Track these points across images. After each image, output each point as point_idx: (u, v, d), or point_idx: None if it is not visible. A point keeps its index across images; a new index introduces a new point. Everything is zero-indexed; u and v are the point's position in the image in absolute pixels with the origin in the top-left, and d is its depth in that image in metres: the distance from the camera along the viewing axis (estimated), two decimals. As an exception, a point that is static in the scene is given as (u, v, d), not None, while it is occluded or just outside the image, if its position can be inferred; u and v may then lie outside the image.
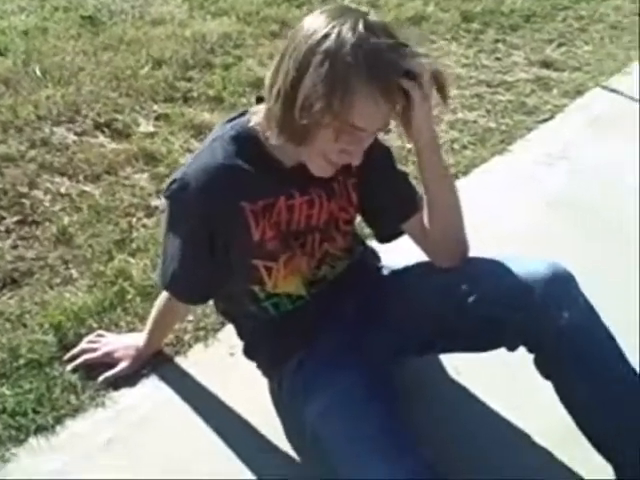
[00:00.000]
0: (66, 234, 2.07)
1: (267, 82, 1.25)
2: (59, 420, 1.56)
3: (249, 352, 1.57)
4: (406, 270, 1.57)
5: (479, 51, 3.41)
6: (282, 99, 1.20)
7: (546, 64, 3.32)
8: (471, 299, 1.39)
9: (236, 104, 2.77)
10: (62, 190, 2.26)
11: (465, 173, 2.52)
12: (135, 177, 2.36)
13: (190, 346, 1.76)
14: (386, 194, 1.46)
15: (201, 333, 1.79)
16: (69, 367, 1.66)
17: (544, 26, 3.70)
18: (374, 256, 1.63)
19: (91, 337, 1.72)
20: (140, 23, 3.39)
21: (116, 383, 1.64)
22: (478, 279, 1.41)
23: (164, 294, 1.59)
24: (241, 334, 1.58)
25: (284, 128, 1.22)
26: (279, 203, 1.36)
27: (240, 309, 1.51)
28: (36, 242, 2.05)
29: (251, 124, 1.33)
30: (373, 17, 1.19)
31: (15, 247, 2.02)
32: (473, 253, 1.47)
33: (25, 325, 1.77)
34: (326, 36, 1.15)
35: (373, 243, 1.64)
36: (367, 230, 1.69)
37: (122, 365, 1.66)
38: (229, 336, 1.69)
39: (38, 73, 2.86)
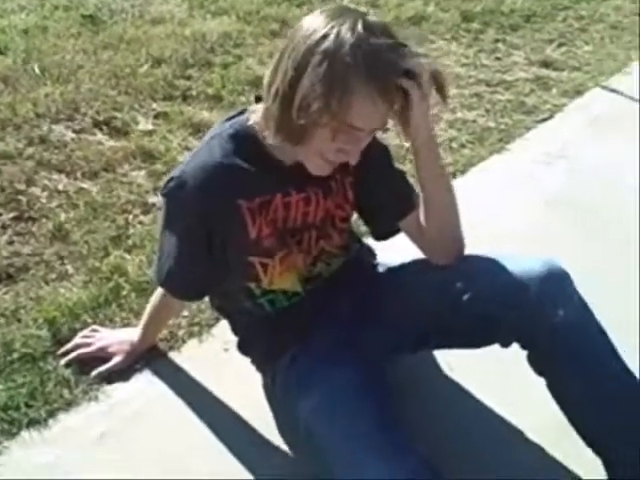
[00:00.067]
0: (62, 230, 2.07)
1: (265, 81, 1.25)
2: (52, 414, 1.56)
3: (243, 347, 1.57)
4: (402, 267, 1.57)
5: (479, 51, 3.42)
6: (280, 99, 1.20)
7: (546, 64, 3.32)
8: (466, 297, 1.39)
9: (235, 103, 2.77)
10: (59, 187, 2.26)
11: (463, 172, 2.52)
12: (133, 174, 2.36)
13: (184, 341, 1.76)
14: (383, 192, 1.46)
15: (195, 328, 1.79)
16: (63, 361, 1.66)
17: (544, 26, 3.70)
18: (370, 253, 1.63)
19: (85, 332, 1.72)
20: (140, 22, 3.40)
21: (110, 378, 1.64)
22: (473, 277, 1.41)
23: (159, 290, 1.59)
24: (235, 330, 1.58)
25: (281, 128, 1.22)
26: (275, 200, 1.36)
27: (235, 305, 1.51)
28: (32, 238, 2.05)
29: (250, 123, 1.33)
30: (372, 17, 1.19)
31: (11, 243, 2.02)
32: (470, 251, 1.47)
33: (19, 320, 1.77)
34: (325, 36, 1.15)
35: (369, 240, 1.64)
36: (363, 228, 1.69)
37: (116, 360, 1.66)
38: (223, 332, 1.69)
39: (37, 71, 2.86)
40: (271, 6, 3.62)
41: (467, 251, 1.47)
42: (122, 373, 1.65)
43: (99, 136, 2.55)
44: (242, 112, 1.39)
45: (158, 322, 1.69)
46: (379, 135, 1.43)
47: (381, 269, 1.60)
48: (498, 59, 3.35)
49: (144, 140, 2.52)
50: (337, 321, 1.48)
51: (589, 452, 1.39)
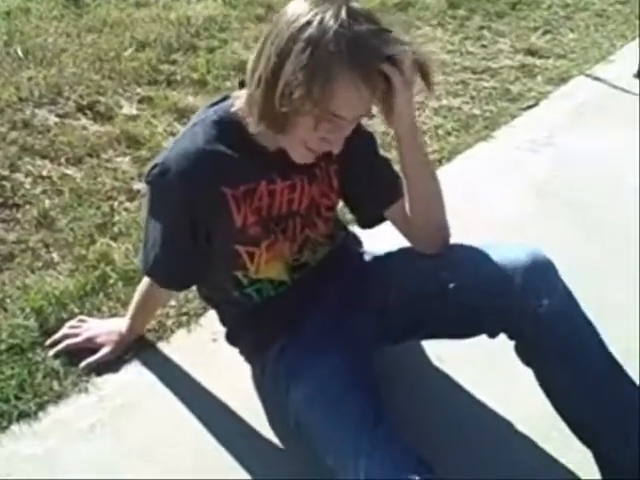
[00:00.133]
0: (47, 217, 2.06)
1: (249, 67, 1.24)
2: (41, 406, 1.55)
3: (232, 338, 1.57)
4: (388, 256, 1.57)
5: (464, 38, 3.42)
6: (263, 85, 1.19)
7: (531, 52, 3.33)
8: (451, 285, 1.40)
9: (220, 87, 2.76)
10: (43, 173, 2.25)
11: (449, 159, 2.52)
12: (117, 160, 2.35)
13: (173, 332, 1.76)
14: (369, 180, 1.46)
15: (184, 318, 1.79)
16: (51, 352, 1.65)
17: (530, 14, 3.71)
18: (356, 242, 1.63)
19: (73, 322, 1.71)
20: (124, 5, 3.37)
21: (99, 369, 1.63)
22: (458, 266, 1.42)
23: (146, 279, 1.58)
24: (224, 320, 1.58)
25: (264, 115, 1.22)
26: (260, 188, 1.35)
27: (223, 295, 1.50)
28: (17, 225, 2.04)
29: (234, 109, 1.32)
30: (355, 4, 1.18)
31: (-4, 230, 2.01)
32: (455, 239, 1.47)
33: (6, 309, 1.76)
34: (308, 23, 1.14)
35: (355, 229, 1.64)
36: (349, 216, 1.69)
37: (104, 350, 1.65)
38: (212, 321, 1.68)
39: (20, 54, 2.83)
40: (257, -10, 3.59)
41: (453, 239, 1.47)
42: (111, 364, 1.64)
43: (83, 121, 2.54)
44: (225, 98, 1.37)
45: (146, 312, 1.69)
46: (364, 122, 1.42)
47: (367, 257, 1.60)
48: (484, 46, 3.35)
49: (128, 125, 2.50)
50: (324, 310, 1.48)
51: (578, 443, 1.40)
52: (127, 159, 2.35)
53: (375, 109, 1.28)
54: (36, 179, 2.22)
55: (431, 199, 1.43)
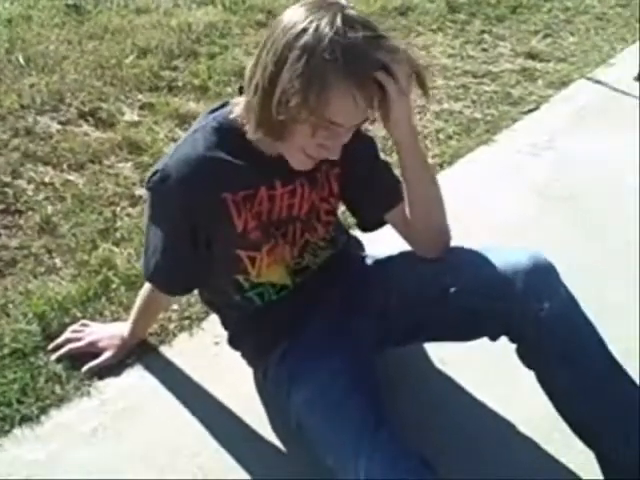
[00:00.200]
0: (50, 223, 2.07)
1: (247, 74, 1.24)
2: (44, 410, 1.55)
3: (234, 342, 1.57)
4: (389, 260, 1.57)
5: (465, 42, 3.43)
6: (260, 93, 1.19)
7: (531, 55, 3.34)
8: (452, 289, 1.40)
9: (221, 93, 2.77)
10: (46, 179, 2.26)
11: (450, 163, 2.53)
12: (119, 166, 2.35)
13: (175, 335, 1.76)
14: (370, 184, 1.46)
15: (186, 322, 1.79)
16: (53, 357, 1.65)
17: (530, 17, 3.72)
18: (358, 245, 1.64)
19: (75, 326, 1.72)
20: (125, 12, 3.39)
21: (101, 373, 1.64)
22: (459, 269, 1.42)
23: (148, 284, 1.58)
24: (225, 324, 1.58)
25: (262, 123, 1.22)
26: (260, 193, 1.36)
27: (224, 299, 1.50)
28: (20, 231, 2.04)
29: (233, 115, 1.33)
30: (351, 10, 1.18)
31: (-2, 236, 2.01)
32: (457, 242, 1.47)
33: (8, 314, 1.76)
34: (304, 30, 1.14)
35: (357, 232, 1.64)
36: (351, 219, 1.69)
37: (107, 355, 1.66)
38: (214, 325, 1.69)
39: (22, 61, 2.84)
40: (257, -4, 3.61)
41: (454, 242, 1.47)
42: (113, 368, 1.65)
43: (85, 127, 2.54)
44: (225, 104, 1.38)
45: (148, 316, 1.69)
46: (365, 127, 1.43)
47: (369, 261, 1.60)
48: (484, 50, 3.36)
49: (130, 131, 2.51)
50: (326, 313, 1.48)
51: (580, 444, 1.40)
52: (129, 165, 2.36)
53: (375, 114, 1.29)
54: (38, 185, 2.23)
55: (431, 203, 1.43)
